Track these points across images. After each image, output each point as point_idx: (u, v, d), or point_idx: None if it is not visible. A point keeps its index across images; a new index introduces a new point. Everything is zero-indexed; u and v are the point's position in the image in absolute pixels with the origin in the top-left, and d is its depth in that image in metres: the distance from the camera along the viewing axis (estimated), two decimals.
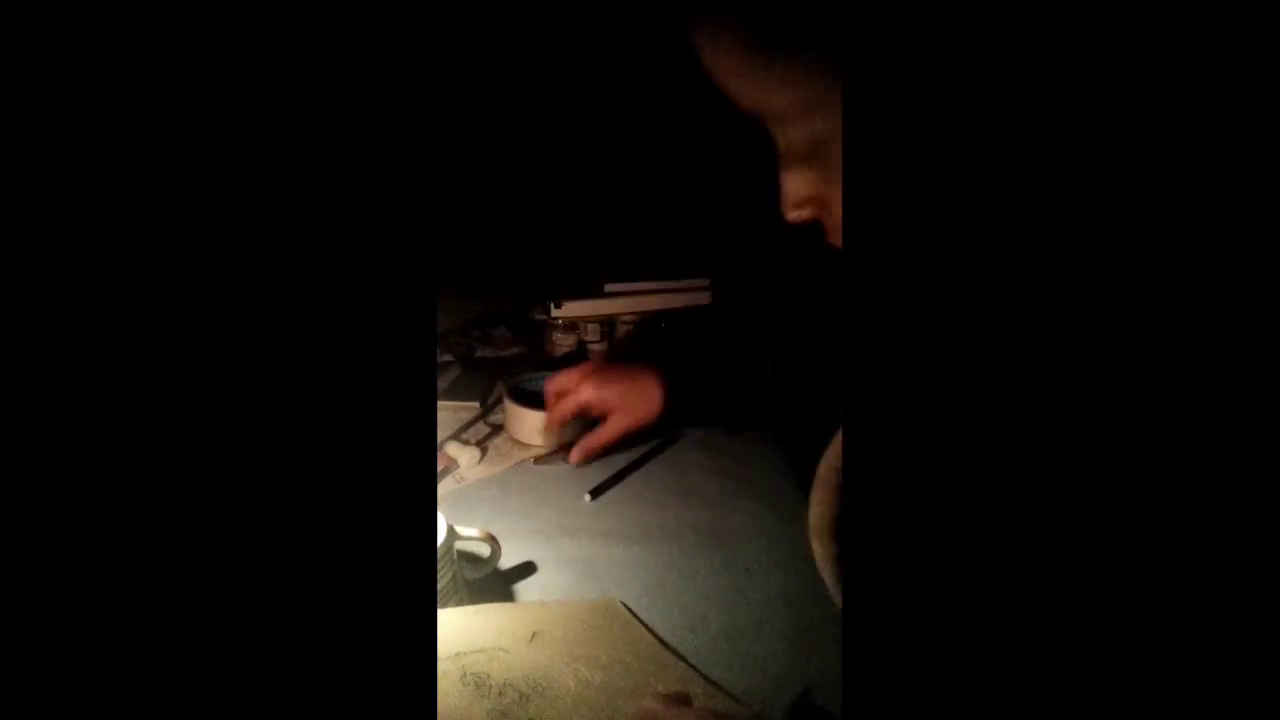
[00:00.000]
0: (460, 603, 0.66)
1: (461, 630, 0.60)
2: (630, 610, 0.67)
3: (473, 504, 0.84)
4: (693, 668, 0.60)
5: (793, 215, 0.49)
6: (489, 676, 0.55)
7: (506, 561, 0.74)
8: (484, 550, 0.72)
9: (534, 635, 0.61)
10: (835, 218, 0.47)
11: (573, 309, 1.19)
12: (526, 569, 0.74)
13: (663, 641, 0.63)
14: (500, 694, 0.54)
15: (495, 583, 0.72)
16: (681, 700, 0.52)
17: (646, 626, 0.65)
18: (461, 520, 0.73)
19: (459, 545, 0.69)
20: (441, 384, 1.09)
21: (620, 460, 0.92)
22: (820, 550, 0.52)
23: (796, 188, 0.47)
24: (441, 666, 0.56)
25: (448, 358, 1.16)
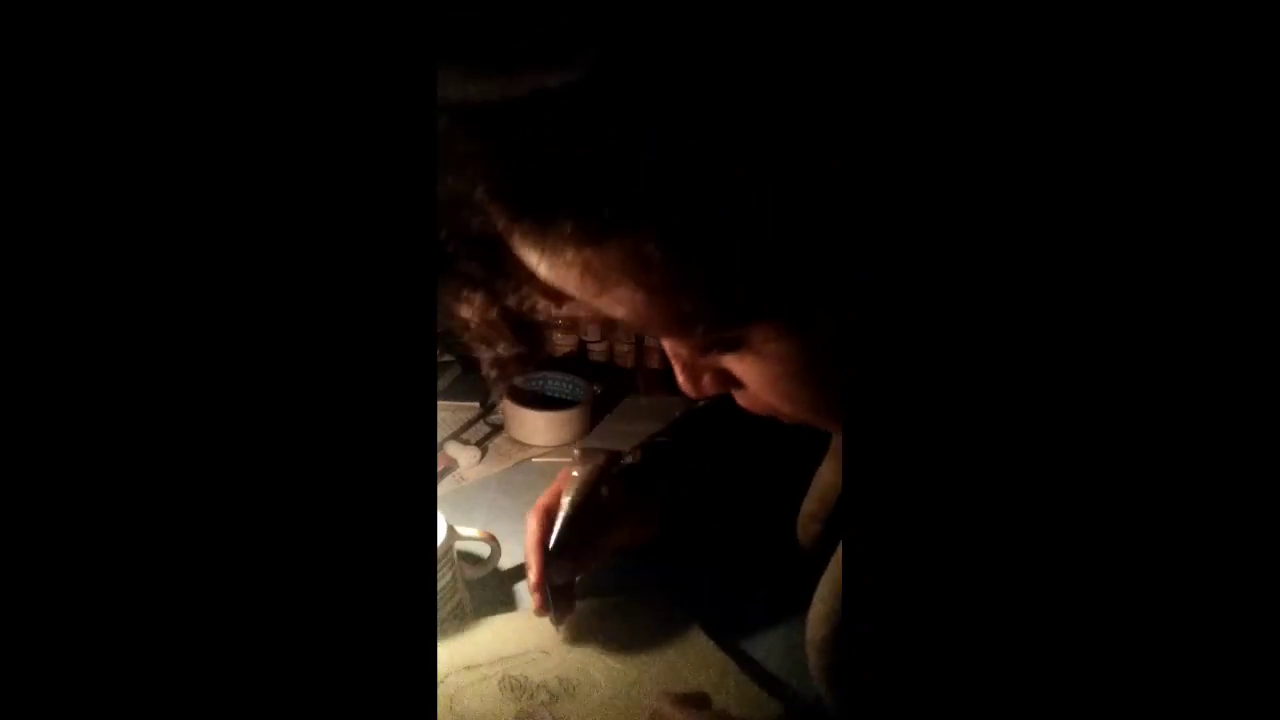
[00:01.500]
0: (460, 603, 0.66)
1: (508, 636, 0.63)
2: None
3: (473, 504, 0.84)
4: (730, 659, 0.61)
5: (704, 391, 0.39)
6: (527, 679, 0.59)
7: (506, 561, 0.74)
8: (484, 550, 0.72)
9: (574, 635, 0.63)
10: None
11: (573, 309, 1.18)
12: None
13: (706, 633, 0.64)
14: (531, 696, 0.57)
15: (495, 583, 0.72)
16: (698, 702, 0.52)
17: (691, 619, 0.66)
18: (461, 520, 0.73)
19: (459, 545, 0.69)
20: (441, 384, 1.09)
21: None
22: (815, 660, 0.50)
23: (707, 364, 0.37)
24: (484, 672, 0.59)
25: (448, 358, 1.16)
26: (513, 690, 0.58)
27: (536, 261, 0.32)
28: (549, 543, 0.63)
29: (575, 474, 0.66)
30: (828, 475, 0.55)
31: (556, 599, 0.62)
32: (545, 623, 0.64)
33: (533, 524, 0.65)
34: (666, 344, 0.39)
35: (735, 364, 0.36)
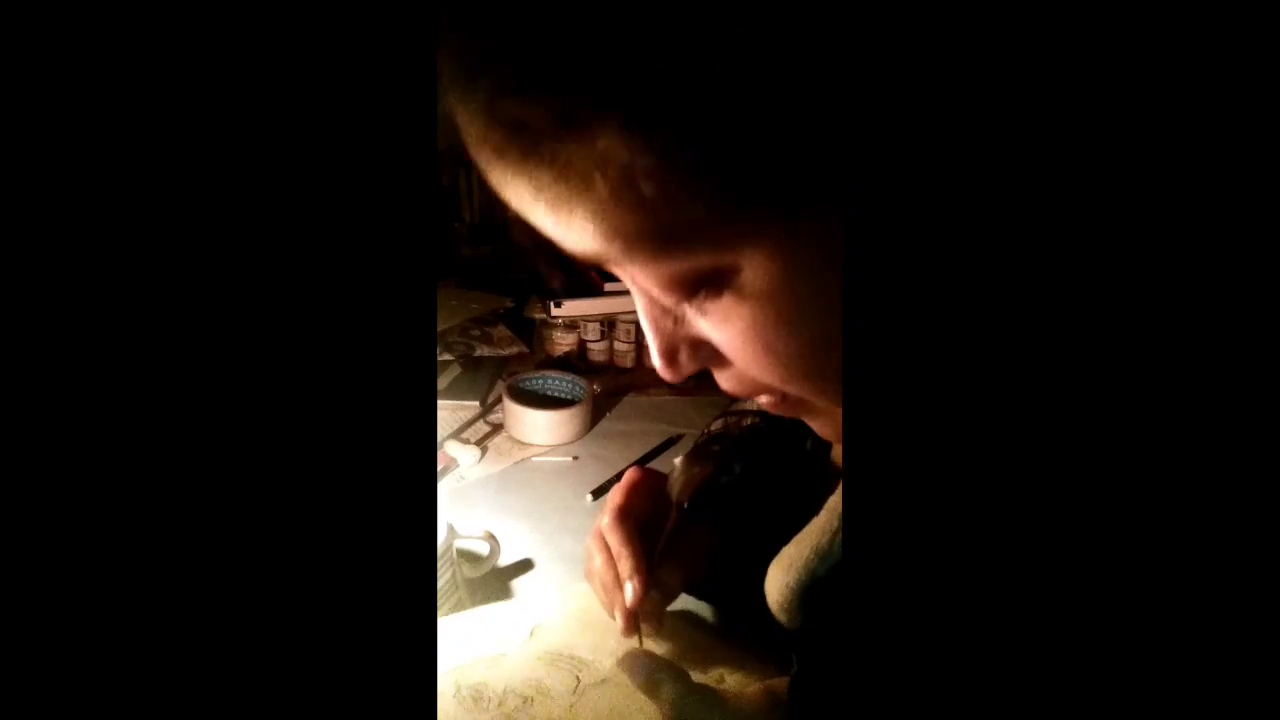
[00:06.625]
0: (459, 601, 0.66)
1: (455, 639, 0.58)
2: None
3: (473, 503, 0.84)
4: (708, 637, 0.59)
5: (682, 370, 0.35)
6: (487, 685, 0.53)
7: (506, 560, 0.74)
8: (483, 549, 0.73)
9: (533, 631, 0.59)
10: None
11: (573, 308, 1.19)
12: (526, 567, 0.75)
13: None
14: (501, 703, 0.52)
15: (494, 581, 0.72)
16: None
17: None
18: (461, 519, 0.73)
19: (458, 544, 0.70)
20: (441, 383, 1.09)
21: (622, 461, 0.92)
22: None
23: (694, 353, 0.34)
24: None
25: (448, 357, 1.16)
26: (475, 701, 0.51)
27: (499, 167, 0.28)
28: (649, 549, 0.54)
29: (678, 475, 0.58)
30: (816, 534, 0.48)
31: (649, 614, 0.54)
32: (494, 620, 0.59)
33: (618, 530, 0.55)
34: (644, 309, 0.34)
35: (718, 321, 0.32)
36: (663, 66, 0.24)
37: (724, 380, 0.37)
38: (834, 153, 0.25)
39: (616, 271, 0.32)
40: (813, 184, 0.26)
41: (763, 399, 0.38)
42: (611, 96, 0.25)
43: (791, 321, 0.31)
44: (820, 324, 0.30)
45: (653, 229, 0.28)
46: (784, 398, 0.37)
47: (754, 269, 0.29)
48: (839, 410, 0.36)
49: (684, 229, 0.28)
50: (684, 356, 0.35)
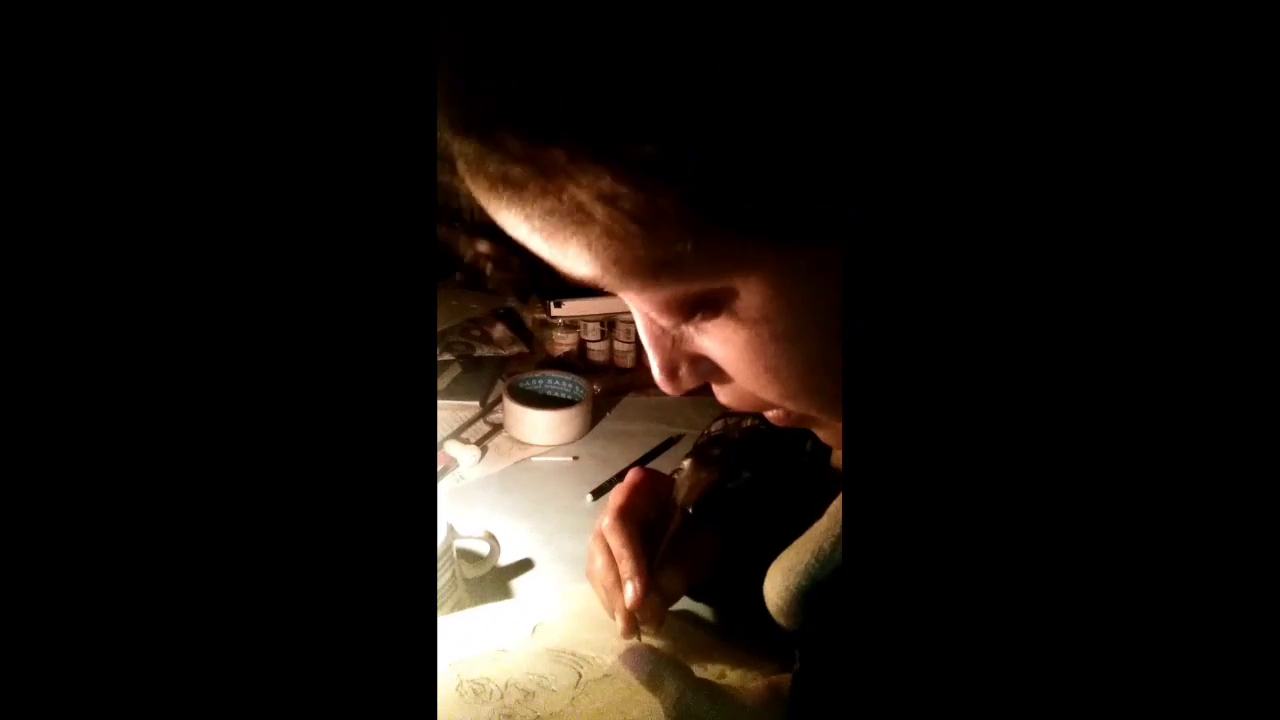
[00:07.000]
0: (459, 601, 0.66)
1: (457, 637, 0.59)
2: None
3: (473, 503, 0.84)
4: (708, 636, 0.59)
5: (683, 385, 0.36)
6: (489, 680, 0.54)
7: (506, 560, 0.74)
8: (483, 549, 0.73)
9: (535, 629, 0.60)
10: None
11: (573, 308, 1.19)
12: (526, 567, 0.75)
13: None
14: (502, 696, 0.53)
15: (494, 581, 0.72)
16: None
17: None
18: (461, 519, 0.73)
19: (458, 544, 0.70)
20: (441, 383, 1.09)
21: (622, 460, 0.92)
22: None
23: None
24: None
25: (448, 357, 1.16)
26: (476, 694, 0.53)
27: (491, 203, 0.28)
28: (651, 550, 0.55)
29: (685, 480, 0.59)
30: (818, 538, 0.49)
31: (649, 616, 0.55)
32: (496, 618, 0.60)
33: (619, 531, 0.56)
34: (644, 327, 0.35)
35: (717, 342, 0.32)
36: (663, 67, 0.24)
37: (724, 395, 0.37)
38: (830, 170, 0.25)
39: (614, 292, 0.32)
40: (807, 209, 0.26)
41: (768, 413, 0.38)
42: (599, 131, 0.25)
43: (788, 341, 0.31)
44: (817, 343, 0.31)
45: (647, 259, 0.28)
46: (787, 411, 0.37)
47: (750, 293, 0.30)
48: (839, 422, 0.36)
49: (678, 259, 0.28)
50: (684, 372, 0.35)
